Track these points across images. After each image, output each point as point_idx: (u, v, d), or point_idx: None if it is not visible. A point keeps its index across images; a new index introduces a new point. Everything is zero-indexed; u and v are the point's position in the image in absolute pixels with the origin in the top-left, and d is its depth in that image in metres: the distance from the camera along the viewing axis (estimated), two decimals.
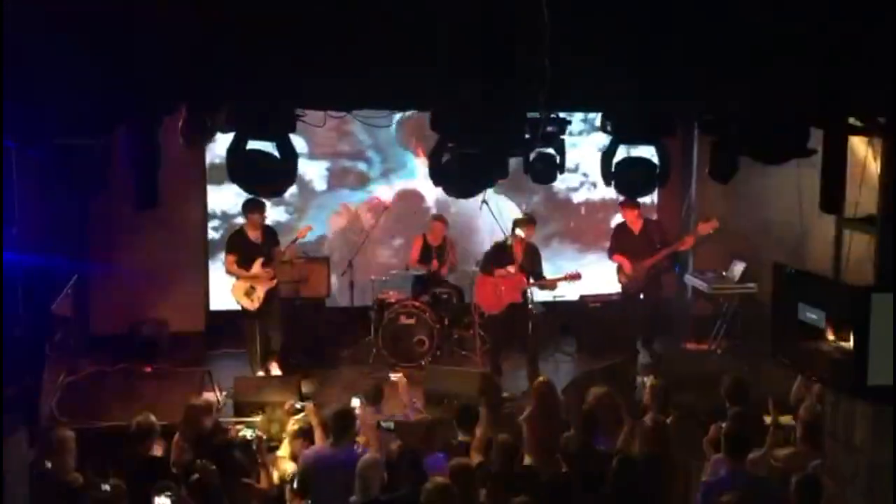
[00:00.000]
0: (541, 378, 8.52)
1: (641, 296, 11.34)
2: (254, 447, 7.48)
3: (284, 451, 7.77)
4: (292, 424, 7.98)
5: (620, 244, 11.33)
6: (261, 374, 10.62)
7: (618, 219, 11.85)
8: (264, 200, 10.47)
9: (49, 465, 7.09)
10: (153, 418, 7.67)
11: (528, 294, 10.69)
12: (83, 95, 5.85)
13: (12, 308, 7.28)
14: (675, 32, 6.01)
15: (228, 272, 10.73)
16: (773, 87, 6.18)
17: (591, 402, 7.92)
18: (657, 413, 7.74)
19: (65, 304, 10.05)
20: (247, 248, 10.64)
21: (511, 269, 10.62)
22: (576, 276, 10.90)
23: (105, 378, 10.91)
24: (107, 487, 6.36)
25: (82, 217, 11.31)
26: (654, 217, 12.42)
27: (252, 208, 10.52)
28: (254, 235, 10.67)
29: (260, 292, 10.60)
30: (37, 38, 5.62)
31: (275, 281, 10.67)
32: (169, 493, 6.36)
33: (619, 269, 11.35)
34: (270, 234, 10.81)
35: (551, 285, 10.93)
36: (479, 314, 11.37)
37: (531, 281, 10.64)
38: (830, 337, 6.77)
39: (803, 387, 8.19)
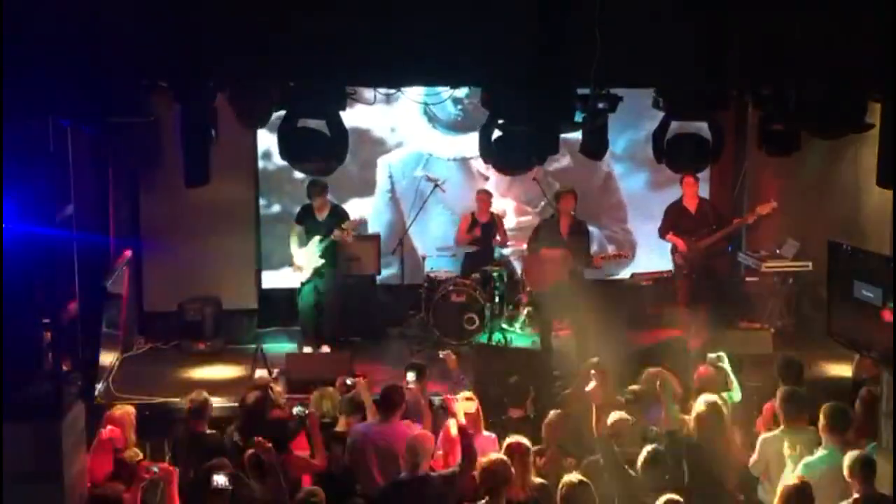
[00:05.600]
0: (593, 359, 8.44)
1: (694, 276, 11.20)
2: (307, 423, 7.52)
3: (341, 427, 7.80)
4: (344, 400, 8.01)
5: (675, 223, 11.17)
6: (307, 349, 10.74)
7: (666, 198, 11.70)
8: (324, 182, 10.62)
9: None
10: (208, 395, 7.76)
11: (577, 271, 10.57)
12: (135, 74, 5.91)
13: (69, 286, 7.38)
14: (729, 6, 5.94)
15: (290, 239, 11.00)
16: (830, 62, 6.08)
17: (642, 380, 7.88)
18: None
19: (119, 282, 10.17)
20: (310, 223, 10.86)
21: (557, 249, 10.48)
22: (623, 256, 10.78)
23: (159, 355, 11.07)
24: (156, 469, 6.43)
25: (135, 194, 11.42)
26: (707, 195, 12.25)
27: (310, 192, 10.72)
28: (318, 213, 10.84)
29: (308, 266, 10.76)
30: (91, 18, 5.67)
31: (322, 260, 10.75)
32: (225, 471, 6.42)
33: (674, 249, 11.19)
34: (335, 214, 10.90)
35: (597, 263, 10.80)
36: (528, 291, 11.34)
37: (574, 258, 10.47)
38: (888, 315, 6.67)
39: (863, 366, 8.07)
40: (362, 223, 11.37)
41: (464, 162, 12.67)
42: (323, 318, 10.94)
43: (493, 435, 7.30)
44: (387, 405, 7.46)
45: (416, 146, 12.63)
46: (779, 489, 6.14)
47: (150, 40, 5.77)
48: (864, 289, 7.27)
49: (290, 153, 6.57)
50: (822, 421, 6.73)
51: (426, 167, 12.58)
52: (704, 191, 11.88)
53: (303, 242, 10.87)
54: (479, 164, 12.51)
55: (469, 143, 11.98)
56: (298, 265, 10.82)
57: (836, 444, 6.64)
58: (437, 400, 8.15)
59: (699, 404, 7.10)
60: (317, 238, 10.71)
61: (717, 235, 10.95)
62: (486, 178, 12.46)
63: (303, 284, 10.90)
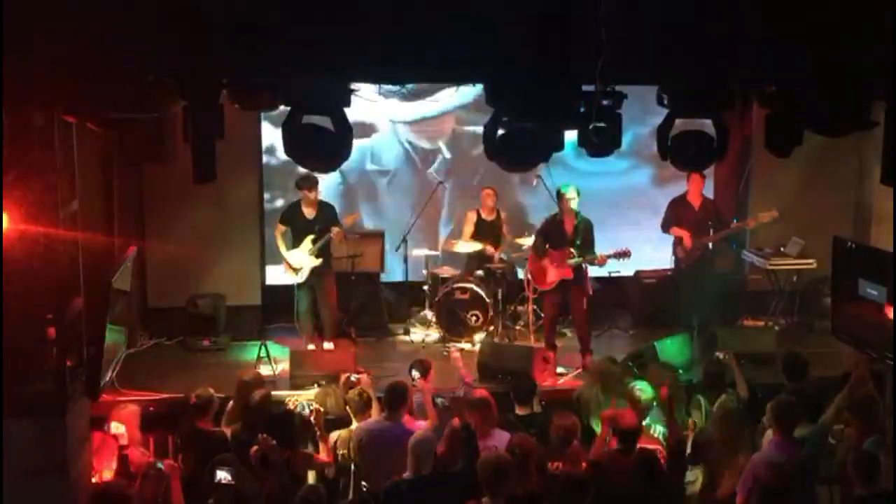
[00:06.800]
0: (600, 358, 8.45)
1: (695, 271, 11.17)
2: (311, 420, 7.53)
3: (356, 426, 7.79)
4: (354, 399, 7.99)
5: (679, 218, 11.15)
6: (310, 346, 10.70)
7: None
8: (316, 176, 10.52)
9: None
10: (212, 391, 7.76)
11: (582, 268, 10.52)
12: (143, 70, 5.91)
13: (73, 282, 7.38)
14: (734, 5, 5.94)
15: (276, 241, 10.85)
16: (836, 59, 6.07)
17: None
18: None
19: (124, 278, 10.16)
20: (299, 222, 10.71)
21: (561, 248, 10.42)
22: (625, 254, 10.76)
23: (163, 351, 11.07)
24: (160, 465, 6.44)
25: (139, 190, 11.41)
26: (711, 192, 12.21)
27: (302, 185, 10.58)
28: (307, 211, 10.70)
29: (305, 267, 10.65)
30: (96, 13, 5.68)
31: (319, 260, 10.68)
32: (229, 467, 6.42)
33: (679, 243, 11.16)
34: (326, 211, 10.79)
35: (600, 261, 10.74)
36: (532, 289, 11.32)
37: (579, 257, 10.40)
38: (892, 313, 6.66)
39: (859, 362, 8.04)
40: (359, 218, 11.26)
41: (407, 153, 12.66)
42: (322, 319, 10.90)
43: (506, 433, 7.27)
44: (393, 403, 7.45)
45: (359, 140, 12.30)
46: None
47: (155, 36, 5.78)
48: (868, 287, 7.26)
49: (294, 149, 6.57)
50: (768, 415, 6.81)
51: (374, 159, 12.55)
52: (709, 188, 11.86)
53: (291, 243, 10.76)
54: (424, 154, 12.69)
55: (424, 107, 12.16)
56: (294, 267, 10.70)
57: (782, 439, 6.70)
58: (440, 401, 8.11)
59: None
60: (310, 238, 10.60)
61: (714, 237, 10.95)
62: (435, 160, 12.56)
63: (299, 287, 10.78)
